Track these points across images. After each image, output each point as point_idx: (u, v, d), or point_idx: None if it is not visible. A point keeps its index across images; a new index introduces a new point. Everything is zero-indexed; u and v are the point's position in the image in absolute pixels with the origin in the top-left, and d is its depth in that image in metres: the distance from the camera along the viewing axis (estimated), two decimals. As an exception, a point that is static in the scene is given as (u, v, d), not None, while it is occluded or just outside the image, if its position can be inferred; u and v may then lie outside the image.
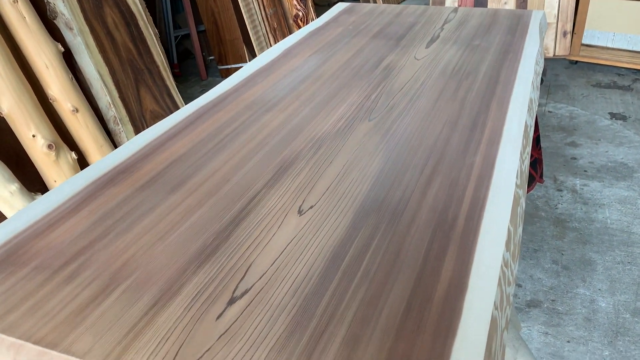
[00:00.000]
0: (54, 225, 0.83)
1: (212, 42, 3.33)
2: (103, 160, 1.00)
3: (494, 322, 0.63)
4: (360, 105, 1.20)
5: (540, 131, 2.60)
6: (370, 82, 1.32)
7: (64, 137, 2.02)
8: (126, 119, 2.19)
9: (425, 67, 1.39)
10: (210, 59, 3.58)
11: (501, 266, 0.71)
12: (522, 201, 0.90)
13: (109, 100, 2.14)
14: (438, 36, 1.63)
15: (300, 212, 0.84)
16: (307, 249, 0.75)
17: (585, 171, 2.26)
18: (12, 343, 0.62)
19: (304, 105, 1.21)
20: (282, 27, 3.37)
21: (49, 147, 1.83)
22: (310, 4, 3.49)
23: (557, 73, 3.28)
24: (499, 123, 1.08)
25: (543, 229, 1.93)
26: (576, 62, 3.35)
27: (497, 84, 1.27)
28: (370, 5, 2.00)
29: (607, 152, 2.39)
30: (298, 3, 3.41)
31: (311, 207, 0.85)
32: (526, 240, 1.88)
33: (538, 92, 1.35)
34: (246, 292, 0.68)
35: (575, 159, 2.36)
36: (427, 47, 1.54)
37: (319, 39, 1.66)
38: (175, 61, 3.40)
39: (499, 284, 0.68)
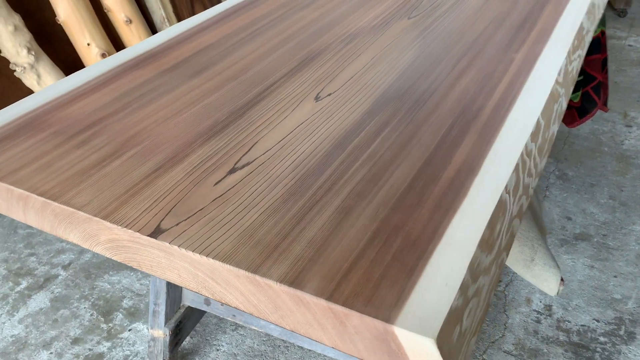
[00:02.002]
0: (75, 99, 0.84)
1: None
2: (132, 48, 1.00)
3: (502, 205, 0.58)
4: (403, 4, 1.12)
5: (615, 66, 2.39)
6: (418, -16, 1.23)
7: (118, 47, 2.06)
8: (180, 34, 2.20)
9: (480, -29, 1.28)
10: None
11: (522, 154, 0.65)
12: (563, 101, 0.82)
13: (163, 14, 2.14)
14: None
15: (317, 99, 0.80)
16: (317, 130, 0.72)
17: (661, 107, 2.06)
18: (21, 194, 0.65)
19: (343, 3, 1.15)
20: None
21: (102, 55, 1.88)
22: None
23: (646, 5, 2.97)
24: (551, 23, 0.98)
25: (604, 164, 1.79)
26: (669, -7, 3.01)
27: (544, 8, 1.15)
28: None
29: (690, 88, 2.16)
30: None
31: (329, 95, 0.81)
32: (583, 174, 1.76)
33: (601, 13, 1.21)
34: (248, 164, 0.66)
35: (652, 94, 2.16)
36: (486, -48, 1.41)
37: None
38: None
39: (516, 171, 0.63)
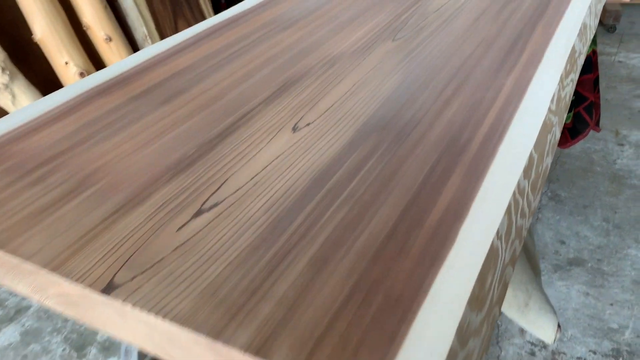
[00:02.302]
0: (34, 130, 0.78)
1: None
2: (100, 72, 0.95)
3: (493, 253, 0.53)
4: (387, 25, 1.08)
5: (605, 82, 2.36)
6: (404, 2, 1.19)
7: (97, 66, 2.00)
8: (163, 51, 2.15)
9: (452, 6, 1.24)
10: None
11: (514, 193, 0.60)
12: (556, 130, 0.77)
13: (145, 32, 2.09)
14: (489, -41, 1.45)
15: (295, 129, 0.75)
16: (293, 166, 0.67)
17: (653, 125, 2.03)
18: (-36, 241, 0.58)
19: (325, 25, 1.10)
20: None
21: (81, 74, 1.82)
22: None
23: (633, 20, 2.96)
24: (542, 46, 0.94)
25: (597, 184, 1.75)
26: (657, 8, 3.01)
27: (549, 5, 1.10)
28: None
29: (681, 105, 2.14)
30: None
31: (308, 125, 0.76)
32: (576, 196, 1.72)
33: (597, 20, 1.18)
34: (216, 205, 0.61)
35: (643, 111, 2.13)
36: None
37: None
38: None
39: (508, 213, 0.57)
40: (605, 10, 2.83)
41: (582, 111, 1.44)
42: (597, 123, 1.60)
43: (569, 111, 1.44)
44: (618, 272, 1.46)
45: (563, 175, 1.80)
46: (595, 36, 1.46)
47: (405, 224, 0.56)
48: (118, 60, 1.94)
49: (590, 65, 1.40)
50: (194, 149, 0.71)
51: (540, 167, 0.70)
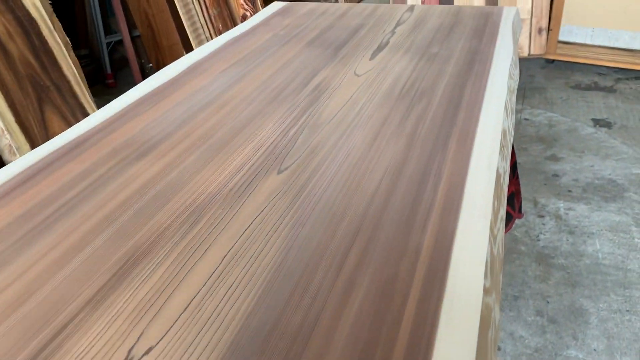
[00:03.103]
0: None
1: (149, 49, 2.96)
2: None
3: None
4: (273, 146, 0.86)
5: (515, 144, 2.30)
6: (293, 109, 0.98)
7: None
8: (26, 147, 1.82)
9: (367, 86, 1.06)
10: (150, 67, 3.21)
11: None
12: (495, 316, 0.57)
13: (1, 126, 1.76)
14: (387, 43, 1.30)
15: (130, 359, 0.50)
16: None
17: (569, 191, 1.96)
18: None
19: (194, 148, 0.86)
20: (228, 29, 3.01)
21: None
22: (259, 2, 3.14)
23: (533, 74, 2.99)
24: (461, 170, 0.75)
25: (524, 267, 1.62)
26: (553, 61, 3.06)
27: (459, 109, 0.94)
28: (312, 4, 1.66)
29: (592, 166, 2.09)
30: (245, 2, 3.05)
31: (148, 352, 0.51)
32: (505, 284, 1.57)
33: (513, 118, 1.03)
34: None
35: (557, 176, 2.06)
36: (372, 57, 1.21)
37: (239, 48, 1.31)
38: (109, 70, 3.02)
39: None
40: (505, 66, 2.84)
41: (504, 203, 1.30)
42: (520, 210, 1.47)
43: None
44: (560, 376, 1.30)
45: (488, 258, 1.65)
46: (508, 121, 1.35)
47: None
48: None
49: (508, 154, 1.27)
50: None
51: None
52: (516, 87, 1.14)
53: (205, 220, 0.69)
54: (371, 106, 0.98)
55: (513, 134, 1.02)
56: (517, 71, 1.20)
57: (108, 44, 3.02)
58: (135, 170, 0.81)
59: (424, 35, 1.32)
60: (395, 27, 1.40)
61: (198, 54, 1.28)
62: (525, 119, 2.52)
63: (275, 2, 1.72)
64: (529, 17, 2.74)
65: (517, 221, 1.83)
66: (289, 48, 1.30)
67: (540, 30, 2.75)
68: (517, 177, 1.42)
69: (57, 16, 2.04)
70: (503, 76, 1.06)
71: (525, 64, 3.10)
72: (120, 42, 3.13)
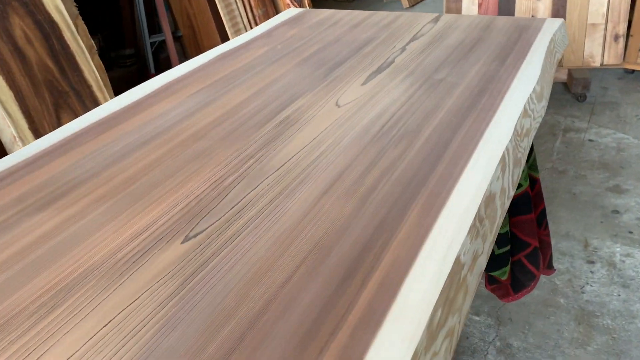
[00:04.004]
0: None
1: (190, 49, 2.90)
2: None
3: None
4: (196, 200, 0.71)
5: (574, 170, 2.00)
6: (244, 149, 0.83)
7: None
8: (39, 153, 1.78)
9: (343, 121, 0.88)
10: (197, 67, 3.15)
11: None
12: None
13: (14, 133, 1.74)
14: (391, 63, 1.10)
15: None
16: None
17: (630, 232, 1.66)
18: None
19: (107, 198, 0.73)
20: (272, 30, 2.89)
21: None
22: (307, 2, 2.99)
23: (606, 86, 2.63)
24: (405, 260, 0.57)
25: (560, 326, 1.37)
26: (633, 71, 2.68)
27: (439, 162, 0.74)
28: (328, 12, 1.49)
29: (663, 202, 1.77)
30: (292, 1, 2.91)
31: None
32: (532, 346, 1.33)
33: (520, 169, 0.81)
34: None
35: (617, 212, 1.76)
36: (364, 82, 1.02)
37: (225, 65, 1.17)
38: (153, 70, 3.00)
39: None
40: (572, 77, 2.51)
41: (524, 259, 1.08)
42: (550, 264, 1.23)
43: (504, 264, 1.07)
44: None
45: (517, 311, 1.42)
46: (534, 160, 1.11)
47: None
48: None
49: (529, 202, 1.04)
50: None
51: None
52: (537, 125, 0.92)
53: (66, 306, 0.55)
54: (336, 150, 0.80)
55: (514, 190, 0.80)
56: (543, 104, 0.97)
57: (152, 43, 2.99)
58: (28, 226, 0.69)
59: (437, 55, 1.12)
60: (408, 43, 1.20)
61: (177, 71, 1.15)
62: (590, 140, 2.20)
63: (291, 9, 1.56)
64: (604, 22, 2.40)
65: (561, 265, 1.57)
66: (277, 67, 1.13)
67: (616, 37, 2.40)
68: (546, 227, 1.18)
69: (101, 16, 2.00)
70: (513, 114, 0.84)
71: (599, 74, 2.74)
72: (165, 42, 3.09)
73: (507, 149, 0.77)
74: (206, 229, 0.65)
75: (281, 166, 0.77)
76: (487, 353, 1.33)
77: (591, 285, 1.49)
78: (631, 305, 1.42)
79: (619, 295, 1.45)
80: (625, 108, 2.42)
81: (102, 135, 0.91)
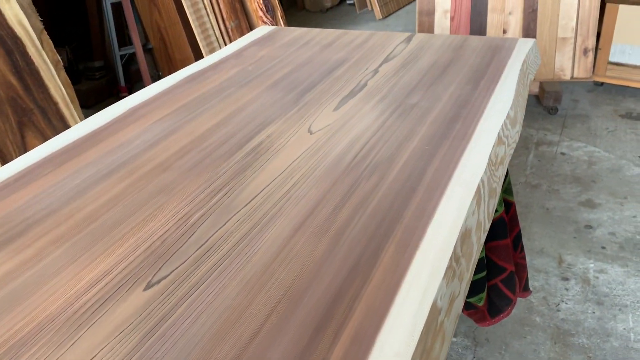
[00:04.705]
0: None
1: (161, 62, 2.84)
2: None
3: None
4: (161, 241, 0.67)
5: (546, 185, 2.02)
6: (212, 181, 0.79)
7: None
8: (2, 174, 1.71)
9: (315, 150, 0.86)
10: (169, 80, 3.09)
11: None
12: None
13: (-27, 154, 1.66)
14: (363, 86, 1.08)
15: None
16: None
17: (603, 248, 1.67)
18: None
19: (66, 238, 0.69)
20: (245, 43, 2.85)
21: None
22: (279, 14, 2.96)
23: (577, 98, 2.67)
24: (381, 306, 0.54)
25: (536, 346, 1.36)
26: (602, 84, 2.72)
27: (414, 194, 0.72)
28: (300, 30, 1.46)
29: (635, 217, 1.79)
30: (265, 14, 2.88)
31: None
32: (509, 368, 1.32)
33: (496, 200, 0.80)
34: None
35: (590, 227, 1.77)
36: (337, 108, 1.00)
37: (193, 88, 1.13)
38: (123, 83, 2.93)
39: None
40: (543, 90, 2.53)
41: (500, 284, 1.07)
42: (526, 287, 1.22)
43: (480, 290, 1.06)
44: None
45: (494, 332, 1.41)
46: (509, 184, 1.10)
47: None
48: None
49: (505, 228, 1.03)
50: None
51: None
52: (511, 152, 0.91)
53: (17, 367, 0.51)
54: (308, 182, 0.77)
55: (490, 223, 0.79)
56: (517, 129, 0.96)
57: (122, 56, 2.93)
58: (-22, 271, 0.64)
59: (410, 78, 1.10)
60: (380, 65, 1.18)
61: (143, 94, 1.11)
62: (562, 153, 2.22)
63: (262, 27, 1.53)
64: (573, 35, 2.43)
65: (536, 283, 1.57)
66: (247, 90, 1.11)
67: (585, 51, 2.44)
68: (522, 250, 1.17)
69: (69, 28, 1.93)
70: (487, 143, 0.83)
71: (570, 86, 2.77)
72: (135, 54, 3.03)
73: (482, 180, 0.75)
74: (170, 273, 0.62)
75: (251, 200, 0.74)
76: (465, 376, 1.31)
77: (566, 303, 1.49)
78: (605, 323, 1.42)
79: (594, 312, 1.46)
80: (595, 121, 2.45)
81: (63, 167, 0.86)
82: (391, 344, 0.50)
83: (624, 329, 1.40)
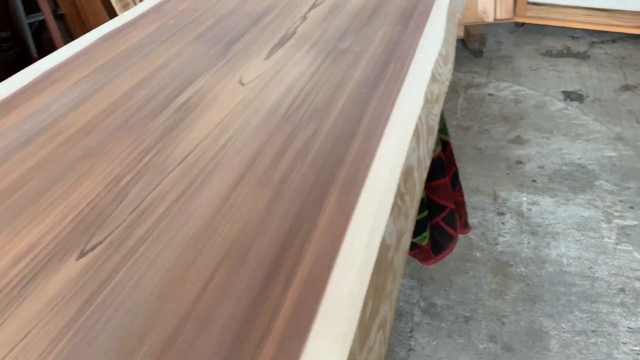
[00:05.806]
0: None
1: (75, 29, 2.65)
2: None
3: None
4: (90, 207, 0.63)
5: (477, 125, 2.07)
6: (140, 141, 0.75)
7: None
8: None
9: (248, 102, 0.82)
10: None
11: None
12: None
13: None
14: (293, 34, 1.04)
15: None
16: None
17: (533, 181, 1.75)
18: None
19: (-18, 215, 0.63)
20: (164, 2, 2.70)
21: None
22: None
23: (500, 40, 2.73)
24: (330, 248, 0.53)
25: (478, 280, 1.42)
26: (522, 24, 2.80)
27: (354, 138, 0.71)
28: (221, -20, 1.39)
29: (560, 149, 1.88)
30: (182, -30, 2.73)
31: None
32: (455, 302, 1.37)
33: (433, 138, 0.80)
34: None
35: (520, 162, 1.84)
36: (267, 57, 0.96)
37: (111, 47, 1.06)
38: (35, 54, 2.72)
39: None
40: (468, 34, 2.57)
41: (441, 222, 1.09)
42: (466, 224, 1.26)
43: (423, 229, 1.08)
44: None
45: (437, 270, 1.45)
46: (444, 125, 1.12)
47: None
48: None
49: (442, 167, 1.05)
50: None
51: None
52: (445, 90, 0.91)
53: (-60, 355, 0.47)
54: (244, 135, 0.74)
55: (430, 160, 0.79)
56: (449, 67, 0.96)
57: (31, 24, 2.71)
58: None
59: (339, 22, 1.07)
60: (308, 11, 1.15)
61: (56, 56, 1.03)
62: (490, 95, 2.28)
63: (180, -21, 1.44)
64: (494, -23, 2.46)
65: (474, 219, 1.62)
66: (170, 45, 1.04)
67: (506, -8, 2.48)
68: (460, 189, 1.20)
69: None
70: (421, 82, 0.82)
71: (493, 28, 2.83)
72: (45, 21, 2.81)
73: (419, 118, 0.75)
74: (104, 240, 0.58)
75: (185, 158, 0.70)
76: (414, 315, 1.35)
77: (503, 236, 1.56)
78: (540, 251, 1.50)
79: (529, 242, 1.53)
80: (519, 61, 2.52)
81: (-29, 140, 0.78)
82: (344, 283, 0.49)
83: (557, 254, 1.48)
